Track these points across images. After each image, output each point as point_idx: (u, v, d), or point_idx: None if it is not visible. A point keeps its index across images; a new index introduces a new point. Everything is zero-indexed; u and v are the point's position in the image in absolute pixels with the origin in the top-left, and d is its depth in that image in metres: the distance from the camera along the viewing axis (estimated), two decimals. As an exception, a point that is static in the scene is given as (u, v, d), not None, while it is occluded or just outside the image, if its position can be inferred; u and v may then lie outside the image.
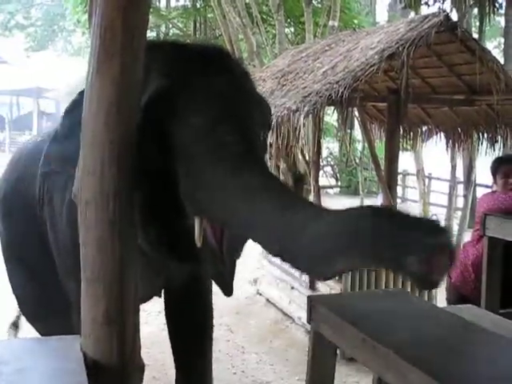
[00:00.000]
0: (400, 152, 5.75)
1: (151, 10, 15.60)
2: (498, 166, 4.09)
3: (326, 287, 5.51)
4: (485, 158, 6.43)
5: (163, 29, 18.34)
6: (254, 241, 1.75)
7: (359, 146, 15.65)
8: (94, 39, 1.86)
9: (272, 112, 4.89)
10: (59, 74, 27.12)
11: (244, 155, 1.84)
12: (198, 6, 15.41)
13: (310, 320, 2.31)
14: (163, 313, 5.64)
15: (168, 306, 3.19)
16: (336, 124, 7.24)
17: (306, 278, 5.79)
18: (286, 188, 1.88)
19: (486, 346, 2.00)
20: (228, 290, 2.08)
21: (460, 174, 10.45)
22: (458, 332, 2.12)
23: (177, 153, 1.91)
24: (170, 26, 17.02)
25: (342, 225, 1.53)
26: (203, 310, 3.12)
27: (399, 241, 1.42)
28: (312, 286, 5.75)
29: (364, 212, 1.56)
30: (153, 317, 5.88)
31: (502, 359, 1.88)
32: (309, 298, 2.36)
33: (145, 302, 3.00)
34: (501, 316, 3.23)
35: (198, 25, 15.82)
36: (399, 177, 15.62)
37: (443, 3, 9.34)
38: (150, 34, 20.01)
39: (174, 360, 3.19)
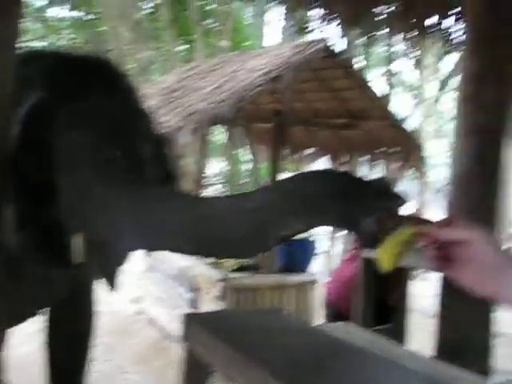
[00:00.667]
0: (286, 173, 5.86)
1: (40, 19, 15.20)
2: None
3: (208, 306, 5.50)
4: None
5: (54, 39, 17.88)
6: (166, 250, 1.74)
7: (247, 166, 15.80)
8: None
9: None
10: None
11: (130, 169, 1.82)
12: (90, 18, 15.13)
13: (184, 338, 2.29)
14: (41, 332, 5.48)
15: (50, 322, 3.05)
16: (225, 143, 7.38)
17: (187, 296, 5.75)
18: (182, 192, 1.88)
19: (358, 363, 2.04)
20: (113, 284, 2.08)
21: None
22: (331, 350, 2.16)
23: (59, 166, 1.84)
24: (60, 37, 16.60)
25: (287, 191, 1.53)
26: (88, 325, 3.02)
27: (354, 204, 1.41)
28: (194, 305, 5.72)
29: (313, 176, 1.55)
30: (31, 336, 5.64)
31: (372, 376, 1.93)
32: (184, 315, 2.33)
33: (24, 320, 2.88)
34: (375, 332, 3.33)
35: (88, 37, 15.51)
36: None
37: (333, 30, 9.69)
38: (40, 44, 19.45)
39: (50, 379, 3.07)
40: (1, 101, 1.81)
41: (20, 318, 2.75)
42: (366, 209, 1.40)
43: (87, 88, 1.96)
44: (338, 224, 1.65)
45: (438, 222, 1.13)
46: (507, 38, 3.72)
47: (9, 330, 2.57)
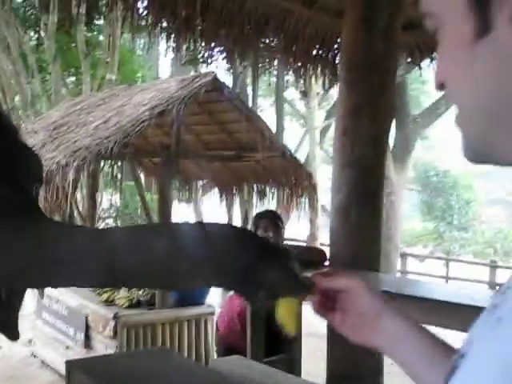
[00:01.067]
0: (180, 203, 5.86)
1: None
2: (258, 221, 4.29)
3: (101, 345, 5.37)
4: (259, 208, 6.78)
5: None
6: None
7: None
8: None
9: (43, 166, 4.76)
10: None
11: (24, 210, 1.78)
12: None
13: (68, 387, 2.24)
14: None
15: None
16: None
17: (81, 336, 5.60)
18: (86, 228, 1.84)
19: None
20: (14, 335, 1.99)
21: (238, 224, 10.88)
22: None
23: None
24: None
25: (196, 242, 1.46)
26: None
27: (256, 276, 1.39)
28: (87, 345, 5.57)
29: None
30: None
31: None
32: (66, 363, 2.28)
33: None
34: (265, 364, 3.37)
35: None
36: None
37: (220, 62, 9.82)
38: None
39: None
40: None
41: None
42: (266, 289, 1.42)
43: None
44: (234, 290, 1.69)
45: (322, 273, 1.17)
46: (380, 71, 3.90)
47: None
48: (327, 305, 1.15)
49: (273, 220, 4.23)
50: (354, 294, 1.13)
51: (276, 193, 6.56)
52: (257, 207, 6.72)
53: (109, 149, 4.53)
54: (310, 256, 4.06)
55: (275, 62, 6.42)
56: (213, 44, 6.00)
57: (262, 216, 4.36)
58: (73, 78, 14.36)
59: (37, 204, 2.06)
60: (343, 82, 3.99)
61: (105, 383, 2.05)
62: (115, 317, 5.13)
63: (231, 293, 4.26)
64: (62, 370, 5.90)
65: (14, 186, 1.87)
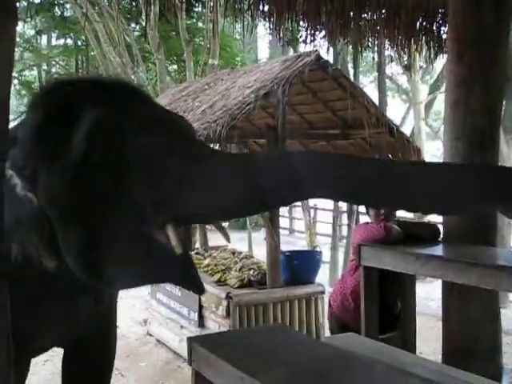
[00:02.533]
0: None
1: (31, 48, 15.29)
2: None
3: (214, 324, 5.51)
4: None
5: (44, 67, 17.96)
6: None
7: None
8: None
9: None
10: None
11: (215, 153, 2.05)
12: (79, 44, 15.23)
13: (190, 361, 2.31)
14: (49, 362, 5.49)
15: (69, 358, 3.00)
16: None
17: (194, 316, 5.76)
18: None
19: (363, 373, 2.06)
20: (201, 289, 2.19)
21: (343, 204, 10.81)
22: (336, 363, 2.17)
23: (141, 168, 1.95)
24: (52, 64, 16.70)
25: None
26: (109, 360, 3.02)
27: None
28: (201, 324, 5.72)
29: None
30: (39, 367, 5.65)
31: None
32: (188, 338, 2.35)
33: (46, 351, 2.89)
34: (380, 341, 3.34)
35: (79, 63, 15.61)
36: (286, 209, 15.94)
37: (320, 41, 9.74)
38: (31, 73, 19.58)
39: None
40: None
41: (44, 347, 2.77)
42: None
43: (132, 102, 2.14)
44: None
45: None
46: (491, 41, 3.75)
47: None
48: None
49: None
50: None
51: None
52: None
53: (217, 132, 4.60)
54: (424, 232, 3.98)
55: (377, 37, 6.32)
56: (314, 22, 5.99)
57: None
58: (175, 66, 14.71)
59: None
60: (452, 53, 3.87)
61: (226, 358, 2.10)
62: (228, 296, 5.25)
63: (344, 270, 4.27)
64: (177, 348, 6.13)
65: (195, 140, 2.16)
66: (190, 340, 2.34)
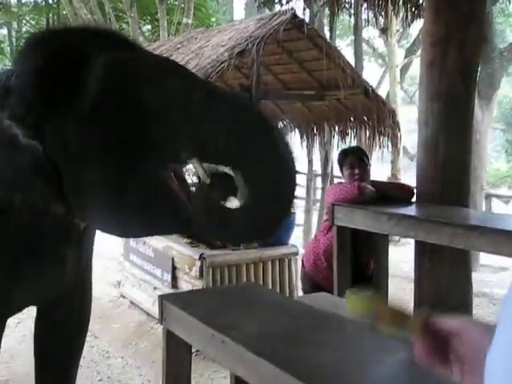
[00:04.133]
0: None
1: (0, 6, 14.94)
2: (344, 157, 4.23)
3: (188, 285, 5.50)
4: (339, 150, 6.69)
5: (15, 26, 17.58)
6: None
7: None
8: None
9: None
10: None
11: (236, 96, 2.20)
12: (50, 2, 14.88)
13: (162, 320, 2.29)
14: (22, 324, 5.45)
15: (44, 317, 2.95)
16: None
17: (167, 277, 5.75)
18: None
19: (335, 332, 2.06)
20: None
21: (317, 167, 10.81)
22: (307, 321, 2.17)
23: (158, 111, 1.95)
24: (23, 22, 16.34)
25: None
26: (85, 317, 3.02)
27: None
28: (174, 285, 5.71)
29: None
30: (12, 329, 5.60)
31: (346, 344, 1.95)
32: (159, 297, 2.33)
33: (21, 311, 2.84)
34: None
35: (50, 22, 15.28)
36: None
37: (296, 2, 9.62)
38: (1, 32, 19.13)
39: (37, 373, 3.02)
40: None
41: (22, 307, 2.72)
42: None
43: (134, 48, 2.18)
44: None
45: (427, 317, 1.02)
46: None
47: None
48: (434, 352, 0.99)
49: (359, 156, 4.17)
50: (468, 333, 0.96)
51: (357, 132, 6.43)
52: (338, 148, 6.61)
53: (190, 91, 4.52)
54: (397, 192, 3.99)
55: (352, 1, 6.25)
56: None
57: (347, 152, 4.31)
58: (149, 26, 14.46)
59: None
60: (430, 11, 3.83)
61: (197, 316, 2.09)
62: (201, 257, 5.23)
63: (318, 231, 4.28)
64: (151, 310, 6.12)
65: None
66: (162, 298, 2.32)
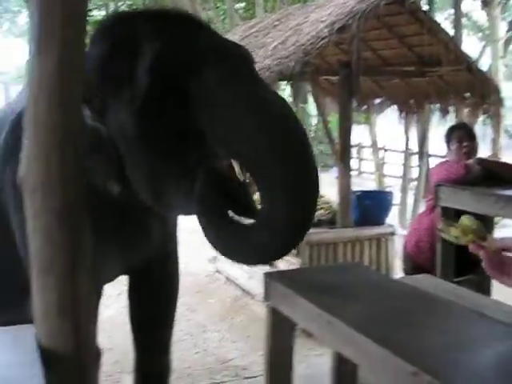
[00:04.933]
0: (354, 125, 5.76)
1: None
2: (452, 132, 4.17)
3: (284, 262, 5.52)
4: (437, 128, 6.51)
5: (112, 7, 18.02)
6: None
7: (314, 120, 15.69)
8: (32, 18, 1.78)
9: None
10: (6, 56, 26.42)
11: (272, 99, 1.98)
12: (147, -17, 15.17)
13: (266, 297, 2.30)
14: (123, 295, 5.64)
15: (136, 286, 3.09)
16: (290, 99, 7.24)
17: (264, 254, 5.79)
18: None
19: (441, 315, 2.02)
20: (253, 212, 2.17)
21: (414, 145, 10.58)
22: (414, 303, 2.13)
23: (201, 106, 1.96)
24: (119, 3, 16.73)
25: None
26: (175, 287, 3.09)
27: None
28: (270, 263, 5.75)
29: None
30: (113, 299, 5.82)
31: (454, 327, 1.90)
32: (265, 274, 2.34)
33: (113, 280, 2.96)
34: (455, 284, 3.28)
35: (147, 1, 15.57)
36: (354, 149, 15.75)
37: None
38: (99, 13, 19.67)
39: (135, 341, 3.15)
40: (75, 67, 1.81)
41: (114, 274, 2.84)
42: None
43: (202, 35, 2.12)
44: None
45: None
46: None
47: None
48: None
49: (468, 131, 4.09)
50: None
51: (456, 109, 6.22)
52: (438, 126, 6.42)
53: (289, 68, 4.50)
54: (507, 172, 3.84)
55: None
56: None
57: (455, 127, 4.26)
58: (242, 4, 14.48)
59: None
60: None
61: (303, 294, 2.08)
62: (298, 235, 5.23)
63: (420, 211, 4.20)
64: (246, 285, 6.20)
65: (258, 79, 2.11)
66: (266, 276, 2.33)
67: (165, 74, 1.99)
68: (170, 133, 2.01)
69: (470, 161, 3.89)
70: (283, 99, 2.13)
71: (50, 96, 1.75)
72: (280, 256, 2.19)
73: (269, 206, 1.93)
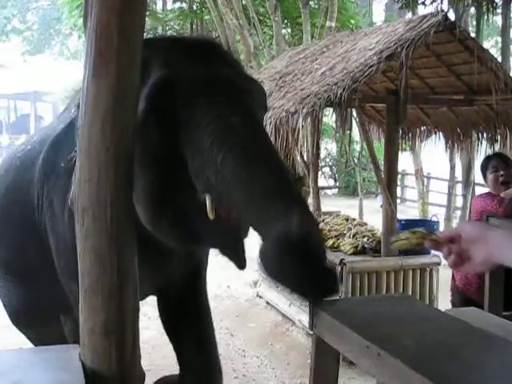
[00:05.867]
0: (399, 152, 5.71)
1: (147, 12, 15.69)
2: (488, 161, 4.15)
3: (326, 290, 5.47)
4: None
5: (160, 31, 18.34)
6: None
7: (357, 147, 15.65)
8: (89, 43, 1.82)
9: (270, 114, 4.86)
10: (56, 77, 27.12)
11: (251, 138, 1.91)
12: (195, 7, 15.38)
13: (312, 326, 2.27)
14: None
15: (166, 309, 3.13)
16: (334, 125, 7.21)
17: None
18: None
19: (491, 351, 1.96)
20: (241, 263, 2.15)
21: (459, 174, 10.45)
22: (464, 337, 2.08)
23: (184, 135, 1.95)
24: (167, 28, 17.01)
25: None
26: (204, 307, 3.09)
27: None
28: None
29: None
30: (153, 321, 5.82)
31: (505, 363, 1.85)
32: (311, 303, 2.31)
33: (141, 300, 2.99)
34: (504, 318, 3.19)
35: (194, 27, 15.79)
36: (398, 177, 15.61)
37: (441, 3, 9.31)
38: (148, 37, 20.02)
39: (179, 363, 3.14)
40: (129, 93, 1.84)
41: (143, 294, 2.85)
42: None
43: (204, 64, 2.11)
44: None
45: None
46: None
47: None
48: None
49: (503, 159, 4.05)
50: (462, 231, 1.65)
51: (506, 139, 6.11)
52: (483, 155, 6.32)
53: (337, 95, 4.48)
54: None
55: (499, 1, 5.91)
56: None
57: (491, 156, 4.25)
58: (289, 30, 14.57)
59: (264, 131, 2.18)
60: None
61: (351, 325, 2.05)
62: (341, 262, 5.19)
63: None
64: (287, 311, 6.16)
65: (247, 112, 2.02)
66: (311, 304, 2.30)
67: (161, 102, 1.99)
68: (159, 160, 2.01)
69: (509, 191, 3.85)
70: (258, 130, 2.06)
71: (105, 118, 1.78)
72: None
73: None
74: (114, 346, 1.86)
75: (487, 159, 4.25)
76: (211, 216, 1.92)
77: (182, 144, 1.96)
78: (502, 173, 3.98)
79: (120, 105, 1.81)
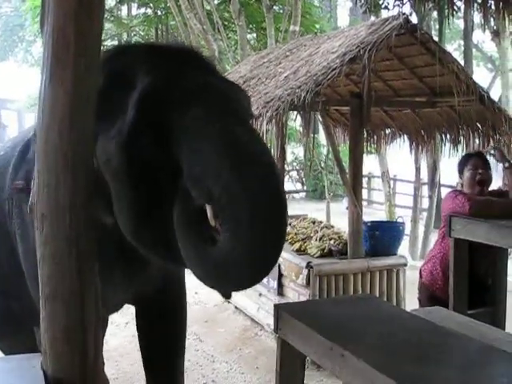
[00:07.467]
0: (364, 155, 5.74)
1: (112, 18, 15.59)
2: (467, 159, 4.17)
3: (294, 293, 5.48)
4: (448, 159, 6.49)
5: (125, 37, 18.24)
6: None
7: (324, 150, 15.72)
8: (45, 48, 1.79)
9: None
10: (20, 84, 26.78)
11: (249, 144, 1.90)
12: (159, 13, 15.33)
13: (277, 329, 2.27)
14: (131, 324, 5.61)
15: (142, 314, 3.11)
16: (300, 129, 7.21)
17: (274, 284, 5.75)
18: None
19: (454, 349, 1.98)
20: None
21: (424, 176, 10.57)
22: (427, 337, 2.10)
23: (178, 143, 1.92)
24: (132, 34, 16.92)
25: None
26: (181, 316, 3.09)
27: None
28: (280, 293, 5.71)
29: None
30: (121, 328, 5.80)
31: (470, 363, 1.87)
32: (275, 306, 2.31)
33: (118, 309, 2.96)
34: (469, 317, 3.23)
35: (159, 32, 15.74)
36: (364, 179, 15.71)
37: (402, 7, 9.40)
38: (112, 43, 19.94)
39: (146, 370, 3.12)
40: (87, 97, 1.82)
41: (117, 305, 2.82)
42: None
43: (194, 70, 2.12)
44: None
45: None
46: None
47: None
48: None
49: (483, 159, 4.11)
50: None
51: (469, 140, 6.19)
52: (449, 156, 6.39)
53: (301, 98, 4.50)
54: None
55: (462, 2, 5.99)
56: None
57: (471, 155, 4.29)
58: (254, 35, 14.61)
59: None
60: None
61: (315, 327, 2.05)
62: (308, 266, 5.21)
63: (438, 239, 4.18)
64: (255, 316, 6.15)
65: (242, 119, 2.03)
66: (277, 307, 2.30)
67: (150, 109, 1.97)
68: (149, 169, 1.98)
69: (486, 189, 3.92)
70: (259, 139, 2.09)
71: (62, 123, 1.76)
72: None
73: (232, 243, 1.81)
74: (76, 353, 1.83)
75: (467, 157, 4.28)
76: (213, 223, 1.89)
77: (177, 152, 1.92)
78: (480, 171, 4.02)
79: (78, 109, 1.79)
